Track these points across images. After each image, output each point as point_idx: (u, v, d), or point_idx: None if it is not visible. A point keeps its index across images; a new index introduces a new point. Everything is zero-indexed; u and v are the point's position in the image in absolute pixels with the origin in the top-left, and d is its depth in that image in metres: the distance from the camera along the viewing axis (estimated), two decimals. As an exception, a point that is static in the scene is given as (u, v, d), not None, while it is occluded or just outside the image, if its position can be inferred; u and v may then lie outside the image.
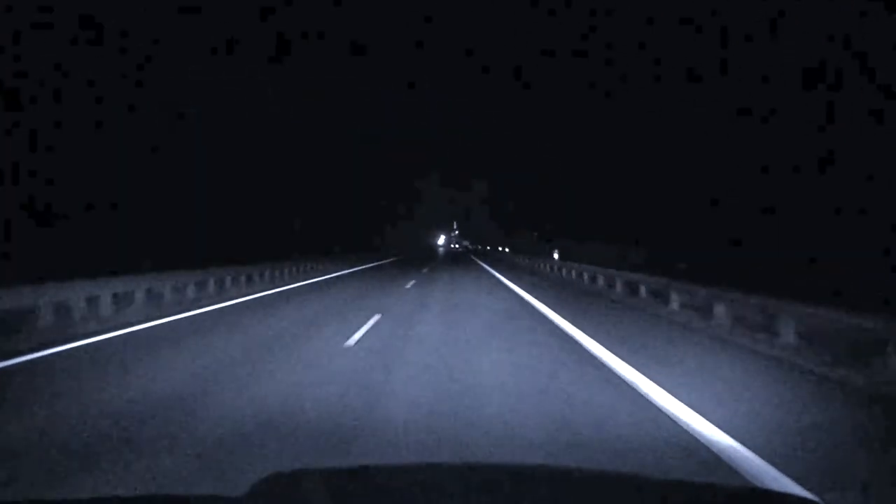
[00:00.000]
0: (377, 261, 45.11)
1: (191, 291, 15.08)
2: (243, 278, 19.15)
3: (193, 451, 4.22)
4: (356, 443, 4.41)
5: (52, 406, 5.40)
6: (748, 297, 10.23)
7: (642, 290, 15.20)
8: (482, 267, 37.61)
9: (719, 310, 10.82)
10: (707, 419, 4.92)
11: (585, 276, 21.37)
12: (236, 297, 15.45)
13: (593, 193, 45.38)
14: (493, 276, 26.63)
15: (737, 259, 22.35)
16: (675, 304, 13.06)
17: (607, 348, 8.28)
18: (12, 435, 4.63)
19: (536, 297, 16.00)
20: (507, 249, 73.58)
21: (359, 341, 8.86)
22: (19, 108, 21.60)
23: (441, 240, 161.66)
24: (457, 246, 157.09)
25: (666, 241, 30.88)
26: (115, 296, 11.95)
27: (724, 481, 3.26)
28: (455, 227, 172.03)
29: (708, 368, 7.31)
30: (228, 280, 17.97)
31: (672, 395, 5.73)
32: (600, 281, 18.97)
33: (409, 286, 20.27)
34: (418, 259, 51.20)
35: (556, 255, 29.29)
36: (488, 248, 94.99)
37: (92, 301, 11.29)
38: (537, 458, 4.08)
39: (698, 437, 4.52)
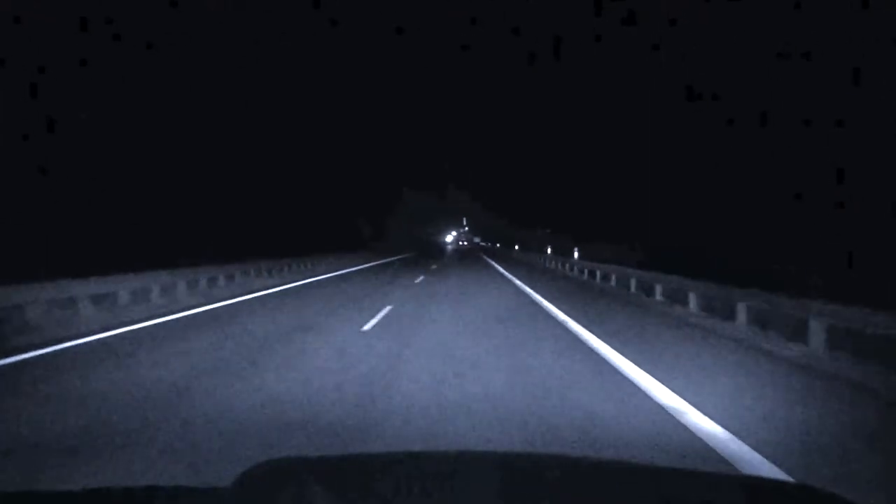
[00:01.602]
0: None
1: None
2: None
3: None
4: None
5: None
6: None
7: None
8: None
9: None
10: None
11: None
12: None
13: (611, 189, 44.37)
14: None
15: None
16: None
17: None
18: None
19: None
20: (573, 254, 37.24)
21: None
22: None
23: (450, 237, 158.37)
24: (465, 243, 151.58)
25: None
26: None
27: None
28: (465, 223, 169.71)
29: None
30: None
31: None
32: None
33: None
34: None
35: None
36: (516, 247, 77.53)
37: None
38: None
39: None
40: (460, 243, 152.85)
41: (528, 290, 18.69)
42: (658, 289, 15.64)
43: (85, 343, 8.66)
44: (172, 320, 11.16)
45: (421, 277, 24.55)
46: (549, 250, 45.75)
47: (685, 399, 5.67)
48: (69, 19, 23.18)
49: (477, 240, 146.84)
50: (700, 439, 4.60)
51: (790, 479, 3.52)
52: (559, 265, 32.00)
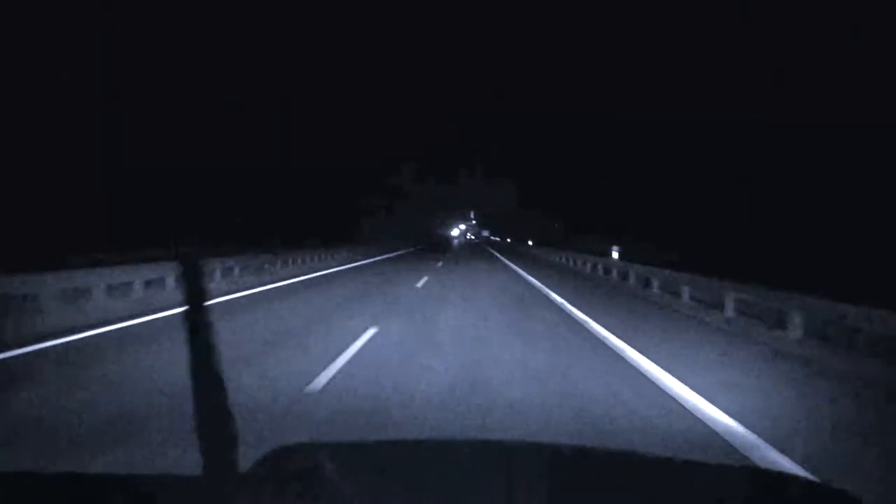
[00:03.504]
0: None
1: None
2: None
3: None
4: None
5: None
6: None
7: None
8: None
9: None
10: None
11: None
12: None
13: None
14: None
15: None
16: None
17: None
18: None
19: None
20: None
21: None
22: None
23: (456, 231, 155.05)
24: (473, 237, 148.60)
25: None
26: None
27: None
28: (472, 215, 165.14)
29: None
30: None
31: None
32: None
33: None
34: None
35: None
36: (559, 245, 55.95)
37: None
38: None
39: None
40: (468, 237, 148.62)
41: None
42: (797, 321, 9.23)
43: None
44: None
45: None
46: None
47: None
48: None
49: (486, 233, 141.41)
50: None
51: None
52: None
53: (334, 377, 6.14)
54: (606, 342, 8.69)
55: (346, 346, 7.83)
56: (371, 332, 8.97)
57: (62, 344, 7.95)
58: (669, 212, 36.25)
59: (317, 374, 6.21)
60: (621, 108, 39.90)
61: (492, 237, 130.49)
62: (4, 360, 7.04)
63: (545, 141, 66.79)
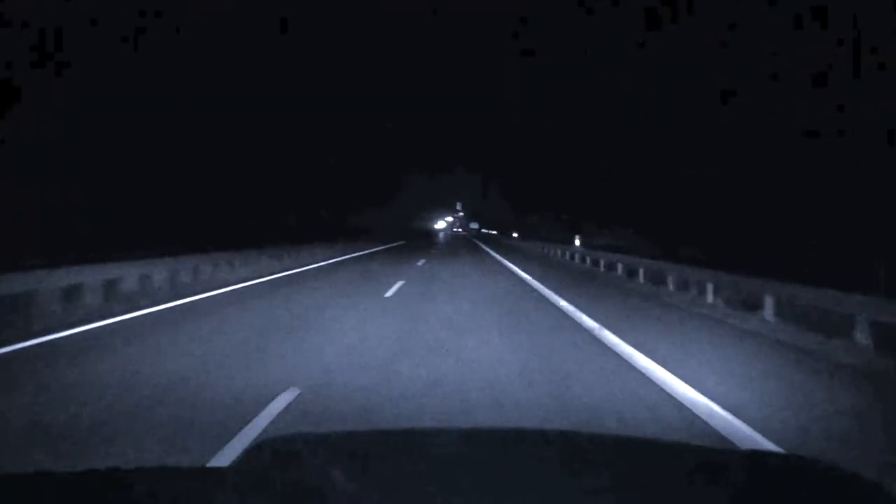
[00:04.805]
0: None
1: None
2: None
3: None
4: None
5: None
6: None
7: None
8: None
9: None
10: None
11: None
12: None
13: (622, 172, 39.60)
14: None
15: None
16: None
17: None
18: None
19: None
20: None
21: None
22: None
23: (441, 224, 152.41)
24: (460, 230, 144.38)
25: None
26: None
27: None
28: (459, 207, 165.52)
29: None
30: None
31: None
32: None
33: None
34: None
35: None
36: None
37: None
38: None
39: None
40: (455, 230, 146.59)
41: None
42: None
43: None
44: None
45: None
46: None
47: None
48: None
49: (475, 225, 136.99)
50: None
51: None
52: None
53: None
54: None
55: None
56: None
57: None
58: (663, 206, 34.82)
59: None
60: (619, 107, 39.53)
61: (483, 230, 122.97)
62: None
63: (542, 136, 66.65)
